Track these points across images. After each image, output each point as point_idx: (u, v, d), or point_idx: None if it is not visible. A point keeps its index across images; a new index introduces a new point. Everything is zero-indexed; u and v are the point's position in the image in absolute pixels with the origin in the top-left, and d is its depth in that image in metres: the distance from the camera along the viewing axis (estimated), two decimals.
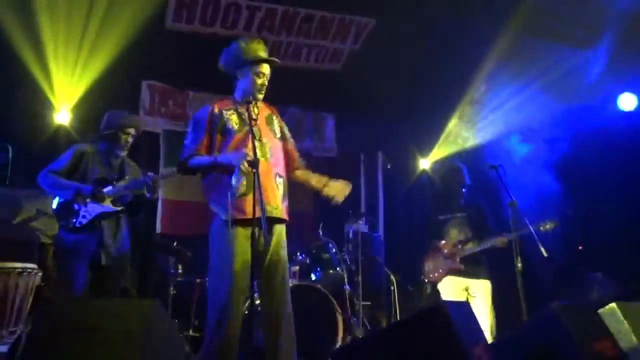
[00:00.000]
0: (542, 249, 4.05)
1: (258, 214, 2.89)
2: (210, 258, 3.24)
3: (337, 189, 3.41)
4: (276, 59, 3.46)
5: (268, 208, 3.11)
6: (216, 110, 3.36)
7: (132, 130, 4.26)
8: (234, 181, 3.18)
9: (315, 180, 3.50)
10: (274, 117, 3.51)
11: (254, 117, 3.32)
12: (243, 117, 3.33)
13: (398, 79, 6.61)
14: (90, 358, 2.26)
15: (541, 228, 4.42)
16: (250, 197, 3.05)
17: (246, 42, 3.42)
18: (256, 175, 2.93)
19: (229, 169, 3.20)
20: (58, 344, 2.29)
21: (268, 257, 3.22)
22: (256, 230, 2.96)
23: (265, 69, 3.39)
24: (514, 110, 6.61)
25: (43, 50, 5.49)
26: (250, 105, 3.30)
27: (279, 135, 3.47)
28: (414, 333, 2.67)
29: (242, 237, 3.13)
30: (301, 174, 3.59)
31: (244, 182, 3.17)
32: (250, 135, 3.11)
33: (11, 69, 5.52)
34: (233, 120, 3.35)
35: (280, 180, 3.34)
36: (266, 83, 3.41)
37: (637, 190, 5.86)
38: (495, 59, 6.30)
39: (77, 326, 2.33)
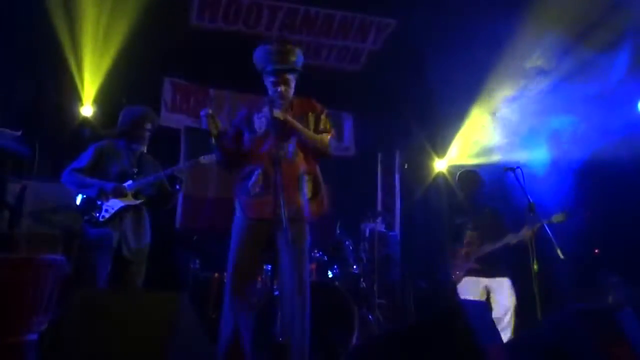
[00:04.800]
0: (559, 251, 4.06)
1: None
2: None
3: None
4: (292, 67, 3.34)
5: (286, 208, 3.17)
6: (248, 114, 3.48)
7: (148, 125, 4.31)
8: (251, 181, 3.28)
9: None
10: (310, 114, 3.43)
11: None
12: (269, 117, 3.38)
13: (416, 80, 6.62)
14: (115, 349, 2.32)
15: (553, 220, 4.44)
16: (265, 197, 3.16)
17: (266, 48, 3.32)
18: (278, 174, 3.03)
19: (248, 168, 3.30)
20: (84, 334, 2.36)
21: (282, 249, 3.24)
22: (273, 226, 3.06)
23: (282, 78, 3.32)
24: (533, 111, 6.58)
25: (73, 45, 5.59)
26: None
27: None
28: (431, 332, 2.69)
29: (254, 232, 3.24)
30: None
31: (259, 182, 3.25)
32: (269, 135, 3.25)
33: (42, 63, 5.63)
34: (261, 121, 3.41)
35: (306, 178, 3.34)
36: (284, 90, 3.33)
37: None
38: (514, 59, 6.27)
39: (103, 317, 2.40)
